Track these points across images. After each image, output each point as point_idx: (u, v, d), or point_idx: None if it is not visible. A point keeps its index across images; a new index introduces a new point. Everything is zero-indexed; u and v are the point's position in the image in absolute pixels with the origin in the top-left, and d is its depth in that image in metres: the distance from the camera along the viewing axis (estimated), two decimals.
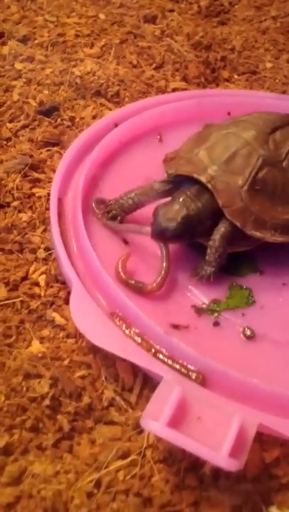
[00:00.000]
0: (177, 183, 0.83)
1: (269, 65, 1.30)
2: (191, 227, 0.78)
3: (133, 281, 0.78)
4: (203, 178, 0.80)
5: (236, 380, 0.68)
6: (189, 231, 0.78)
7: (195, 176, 0.80)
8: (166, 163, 0.88)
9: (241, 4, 1.49)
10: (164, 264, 0.78)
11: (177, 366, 0.69)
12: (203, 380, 0.68)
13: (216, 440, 0.60)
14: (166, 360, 0.70)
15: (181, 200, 0.79)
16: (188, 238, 0.80)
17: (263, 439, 0.68)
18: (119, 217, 0.85)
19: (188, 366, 0.69)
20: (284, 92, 1.22)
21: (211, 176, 0.80)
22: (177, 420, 0.61)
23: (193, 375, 0.68)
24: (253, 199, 0.80)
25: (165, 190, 0.84)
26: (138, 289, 0.78)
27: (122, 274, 0.78)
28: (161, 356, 0.70)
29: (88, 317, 0.71)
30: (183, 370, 0.69)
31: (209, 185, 0.79)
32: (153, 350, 0.70)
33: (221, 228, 0.80)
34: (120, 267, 0.78)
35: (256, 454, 0.67)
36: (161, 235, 0.77)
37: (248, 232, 0.79)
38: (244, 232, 0.80)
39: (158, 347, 0.71)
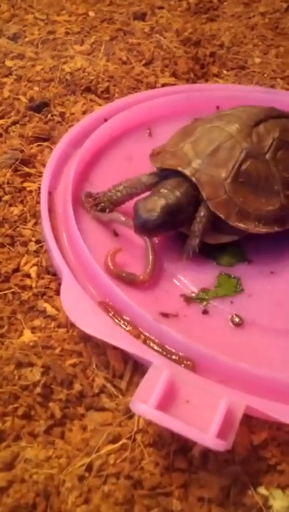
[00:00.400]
0: (164, 176, 0.85)
1: (258, 60, 1.31)
2: (172, 216, 0.80)
3: (124, 274, 0.79)
4: (187, 172, 0.81)
5: (225, 365, 0.69)
6: (170, 220, 0.80)
7: (180, 169, 0.82)
8: (153, 157, 0.89)
9: (230, 1, 1.51)
10: (151, 256, 0.80)
11: (166, 352, 0.70)
12: (192, 367, 0.69)
13: (204, 422, 0.61)
14: (155, 346, 0.71)
15: (159, 192, 0.81)
16: (170, 228, 0.82)
17: (252, 422, 0.69)
18: (107, 210, 0.87)
19: (178, 353, 0.71)
20: (272, 87, 1.23)
21: (195, 169, 0.81)
22: (166, 403, 0.62)
23: (183, 363, 0.69)
24: (237, 191, 0.81)
25: (152, 183, 0.85)
26: (129, 281, 0.79)
27: (111, 267, 0.79)
28: (150, 343, 0.71)
29: (78, 306, 0.72)
30: (173, 357, 0.70)
31: (194, 179, 0.81)
32: (142, 337, 0.72)
33: (202, 213, 0.82)
34: (110, 261, 0.80)
35: (244, 436, 0.68)
36: (143, 227, 0.79)
37: (232, 224, 0.81)
38: (228, 224, 0.81)
39: (148, 334, 0.72)
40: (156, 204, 0.79)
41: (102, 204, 0.87)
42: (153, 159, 0.88)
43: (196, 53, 1.27)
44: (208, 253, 0.85)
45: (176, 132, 0.91)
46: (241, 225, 0.81)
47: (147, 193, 0.84)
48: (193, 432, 0.60)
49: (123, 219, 0.84)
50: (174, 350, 0.71)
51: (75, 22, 1.34)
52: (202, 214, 0.81)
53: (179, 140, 0.87)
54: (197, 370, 0.70)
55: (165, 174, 0.85)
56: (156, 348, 0.71)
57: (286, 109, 1.03)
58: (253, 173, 0.82)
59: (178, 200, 0.80)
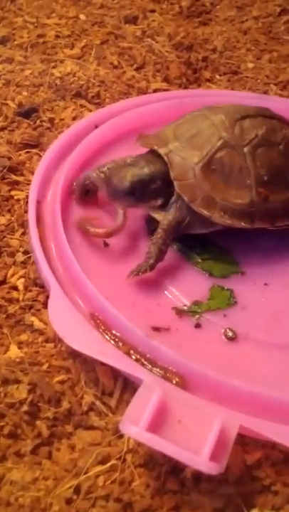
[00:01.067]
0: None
1: (251, 65, 1.29)
2: (142, 185, 0.81)
3: (86, 226, 0.82)
4: (161, 151, 0.83)
5: (217, 382, 0.67)
6: (140, 189, 0.81)
7: (155, 147, 0.84)
8: (139, 138, 0.91)
9: (223, 4, 1.49)
10: (119, 219, 0.81)
11: (157, 369, 0.68)
12: (183, 384, 0.67)
13: (197, 443, 0.59)
14: (145, 363, 0.69)
15: (133, 162, 0.83)
16: (140, 199, 0.82)
17: (245, 441, 0.67)
18: (90, 192, 0.88)
19: (169, 368, 0.69)
20: (265, 92, 1.22)
21: (170, 150, 0.83)
22: (157, 424, 0.60)
23: (174, 380, 0.67)
24: (206, 177, 0.81)
25: None
26: (86, 231, 0.82)
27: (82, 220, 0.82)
28: (141, 359, 0.69)
29: (67, 320, 0.70)
30: (163, 373, 0.68)
31: (166, 158, 0.82)
32: (132, 353, 0.69)
33: (166, 219, 0.81)
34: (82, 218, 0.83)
35: (238, 456, 0.66)
36: (113, 193, 0.81)
37: (195, 208, 0.80)
38: (196, 214, 0.81)
39: (138, 349, 0.70)
40: (127, 172, 0.81)
41: (86, 186, 0.88)
42: (138, 139, 0.90)
43: (188, 58, 1.25)
44: (200, 264, 0.84)
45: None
46: (205, 212, 0.80)
47: None
48: (185, 455, 0.58)
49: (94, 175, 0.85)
50: (165, 366, 0.69)
51: (66, 25, 1.32)
52: (159, 235, 0.80)
53: (167, 125, 0.89)
54: (189, 387, 0.68)
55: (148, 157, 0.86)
56: (146, 364, 0.69)
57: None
58: (226, 162, 0.82)
59: (150, 172, 0.81)
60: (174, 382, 0.67)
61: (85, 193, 0.88)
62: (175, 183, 0.81)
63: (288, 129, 0.88)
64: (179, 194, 0.81)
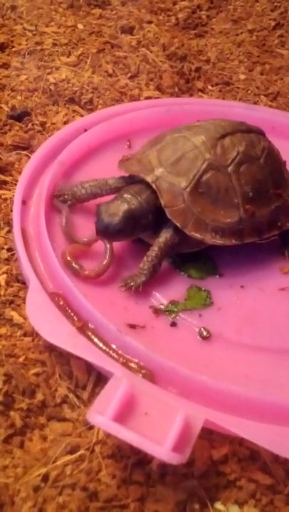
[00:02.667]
0: (130, 182, 0.86)
1: (242, 76, 1.32)
2: (133, 221, 0.80)
3: (75, 265, 0.80)
4: (148, 178, 0.82)
5: (185, 377, 0.69)
6: (131, 226, 0.80)
7: (142, 175, 0.83)
8: (121, 163, 0.90)
9: (219, 17, 1.53)
10: (107, 256, 0.80)
11: (127, 362, 0.70)
12: (151, 377, 0.69)
13: (161, 434, 0.61)
14: (116, 356, 0.71)
15: (122, 196, 0.81)
16: (131, 233, 0.82)
17: (213, 436, 0.69)
18: (69, 203, 0.88)
19: (139, 362, 0.70)
20: (256, 103, 1.24)
21: (157, 177, 0.82)
22: (124, 415, 0.62)
23: (141, 372, 0.69)
24: (195, 201, 0.82)
25: (118, 187, 0.87)
26: (76, 272, 0.80)
27: (67, 255, 0.81)
28: (112, 353, 0.71)
29: (43, 314, 0.72)
30: (132, 365, 0.70)
31: (154, 185, 0.82)
32: (104, 347, 0.71)
33: (162, 237, 0.82)
34: (68, 251, 0.81)
35: (205, 451, 0.68)
36: (104, 231, 0.79)
37: (187, 233, 0.81)
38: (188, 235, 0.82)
39: (111, 345, 0.72)
40: (118, 208, 0.80)
41: (65, 196, 0.88)
42: (120, 164, 0.90)
43: (181, 68, 1.28)
44: (179, 265, 0.86)
45: (148, 140, 0.92)
46: (197, 235, 0.81)
47: (111, 196, 0.85)
48: (148, 444, 0.59)
49: (64, 220, 0.85)
50: (135, 360, 0.71)
51: (64, 34, 1.35)
52: (154, 253, 0.81)
53: (148, 148, 0.88)
54: (159, 383, 0.69)
55: (131, 180, 0.86)
56: (116, 357, 0.71)
57: (266, 125, 1.04)
58: (213, 184, 0.83)
59: (140, 206, 0.81)
60: (141, 374, 0.69)
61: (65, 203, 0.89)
62: (166, 210, 0.81)
63: (265, 141, 0.90)
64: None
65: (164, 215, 0.82)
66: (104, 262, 0.80)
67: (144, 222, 0.82)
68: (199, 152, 0.83)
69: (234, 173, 0.84)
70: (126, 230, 0.80)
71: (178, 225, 0.81)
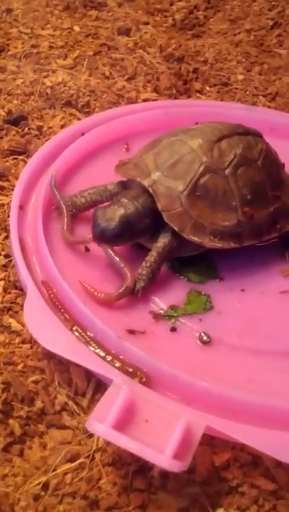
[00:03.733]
0: (128, 186, 0.85)
1: (240, 77, 1.31)
2: (130, 226, 0.80)
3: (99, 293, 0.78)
4: (145, 182, 0.82)
5: (186, 383, 0.68)
6: (128, 230, 0.80)
7: (138, 179, 0.83)
8: (118, 167, 0.90)
9: (216, 17, 1.52)
10: (125, 270, 0.79)
11: (125, 366, 0.69)
12: (147, 380, 0.68)
13: (162, 442, 0.60)
14: (114, 361, 0.70)
15: (119, 201, 0.81)
16: (129, 238, 0.82)
17: (214, 442, 0.68)
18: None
19: (136, 365, 0.70)
20: (254, 104, 1.23)
21: (153, 181, 0.82)
22: (124, 422, 0.61)
23: (138, 376, 0.69)
24: (193, 204, 0.81)
25: (118, 192, 0.86)
26: (93, 296, 0.78)
27: (89, 287, 0.79)
28: (110, 359, 0.70)
29: (41, 321, 0.72)
30: (129, 369, 0.69)
31: (150, 190, 0.81)
32: (103, 354, 0.71)
33: (161, 242, 0.81)
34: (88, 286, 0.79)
35: (206, 457, 0.67)
36: (101, 236, 0.79)
37: (186, 237, 0.81)
38: (186, 239, 0.81)
39: (110, 351, 0.71)
40: (115, 213, 0.79)
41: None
42: (117, 169, 0.89)
43: (179, 69, 1.28)
44: (179, 270, 0.85)
45: (145, 144, 0.91)
46: (195, 239, 0.81)
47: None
48: (148, 452, 0.59)
49: (65, 228, 0.84)
50: (131, 363, 0.71)
51: (60, 36, 1.35)
52: (152, 259, 0.80)
53: (144, 152, 0.88)
54: (158, 389, 0.69)
55: (129, 185, 0.85)
56: (114, 362, 0.70)
57: (265, 126, 1.04)
58: (210, 187, 0.82)
59: (137, 210, 0.80)
60: (137, 378, 0.68)
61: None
62: (163, 214, 0.80)
63: (262, 143, 0.90)
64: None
65: (161, 220, 0.81)
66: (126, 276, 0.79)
67: (142, 226, 0.81)
68: (196, 155, 0.83)
69: (231, 175, 0.83)
70: (123, 234, 0.79)
71: (176, 228, 0.80)
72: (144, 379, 0.68)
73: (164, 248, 0.81)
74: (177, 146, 0.84)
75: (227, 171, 0.83)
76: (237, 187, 0.83)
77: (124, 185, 0.86)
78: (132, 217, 0.80)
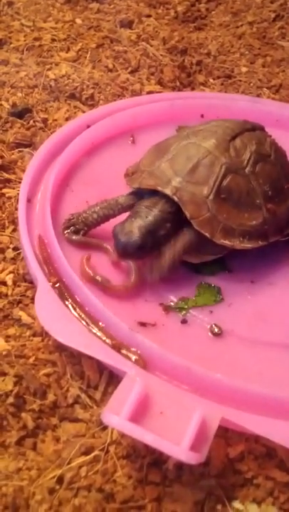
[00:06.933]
0: (141, 196, 0.83)
1: (244, 69, 1.31)
2: (152, 234, 0.78)
3: (100, 278, 0.78)
4: (168, 191, 0.79)
5: (199, 375, 0.68)
6: (150, 240, 0.78)
7: (159, 189, 0.80)
8: (128, 177, 0.88)
9: (218, 10, 1.51)
10: (133, 276, 0.78)
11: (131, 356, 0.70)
12: (143, 365, 0.68)
13: (178, 434, 0.60)
14: (125, 352, 0.69)
15: (136, 213, 0.79)
16: (152, 248, 0.79)
17: (228, 434, 0.68)
18: (82, 232, 0.84)
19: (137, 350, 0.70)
20: (258, 96, 1.23)
21: (176, 188, 0.79)
22: (139, 415, 0.61)
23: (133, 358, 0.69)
24: (220, 208, 0.80)
25: (130, 204, 0.83)
26: (103, 286, 0.78)
27: (88, 270, 0.78)
28: (123, 351, 0.70)
29: (53, 314, 0.71)
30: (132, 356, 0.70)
31: (175, 198, 0.79)
32: (115, 345, 0.70)
33: (185, 236, 0.79)
34: (85, 265, 0.78)
35: (221, 449, 0.67)
36: (124, 251, 0.77)
37: (217, 242, 0.79)
38: (213, 242, 0.80)
39: (122, 342, 0.71)
40: (133, 226, 0.77)
41: (77, 226, 0.84)
42: (129, 180, 0.86)
43: (182, 61, 1.27)
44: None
45: (148, 151, 0.89)
46: (227, 242, 0.79)
47: (124, 215, 0.82)
48: (165, 444, 0.58)
49: (94, 241, 0.83)
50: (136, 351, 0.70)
51: (62, 29, 1.34)
52: (178, 242, 0.79)
53: (154, 158, 0.85)
54: (172, 381, 0.68)
55: (142, 194, 0.83)
56: (125, 353, 0.70)
57: (271, 118, 1.03)
58: (234, 188, 0.81)
59: (155, 219, 0.78)
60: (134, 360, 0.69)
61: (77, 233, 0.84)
62: (193, 222, 0.78)
63: (269, 136, 0.89)
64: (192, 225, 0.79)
65: (180, 222, 0.79)
66: (133, 278, 0.78)
67: (163, 232, 0.79)
68: (214, 157, 0.81)
69: (252, 174, 0.82)
70: (146, 245, 0.77)
71: (207, 235, 0.78)
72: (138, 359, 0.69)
73: (186, 243, 0.79)
74: (192, 149, 0.82)
75: (247, 170, 0.82)
76: (258, 184, 0.82)
77: (136, 196, 0.84)
78: (152, 225, 0.77)
